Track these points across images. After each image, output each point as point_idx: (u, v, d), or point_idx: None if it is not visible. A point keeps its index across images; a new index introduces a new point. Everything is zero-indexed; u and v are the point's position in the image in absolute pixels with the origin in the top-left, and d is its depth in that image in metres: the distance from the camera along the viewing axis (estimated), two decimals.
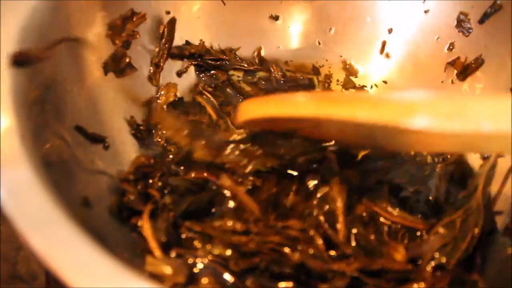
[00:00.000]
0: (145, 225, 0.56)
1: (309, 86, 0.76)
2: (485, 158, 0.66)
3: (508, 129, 0.43)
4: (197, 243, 0.55)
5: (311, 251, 0.54)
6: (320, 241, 0.55)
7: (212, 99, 0.72)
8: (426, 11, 0.74)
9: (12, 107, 0.46)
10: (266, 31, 0.77)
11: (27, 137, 0.46)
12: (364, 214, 0.59)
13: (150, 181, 0.60)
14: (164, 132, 0.65)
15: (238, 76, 0.76)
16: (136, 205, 0.58)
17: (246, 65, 0.76)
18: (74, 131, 0.56)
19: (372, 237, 0.58)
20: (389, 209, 0.60)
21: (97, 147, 0.60)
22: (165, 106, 0.70)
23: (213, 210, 0.59)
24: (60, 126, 0.54)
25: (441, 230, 0.58)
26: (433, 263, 0.56)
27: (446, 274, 0.55)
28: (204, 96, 0.72)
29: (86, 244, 0.40)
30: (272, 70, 0.76)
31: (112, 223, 0.56)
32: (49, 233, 0.40)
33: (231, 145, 0.61)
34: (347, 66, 0.79)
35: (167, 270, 0.51)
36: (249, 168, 0.60)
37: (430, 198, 0.64)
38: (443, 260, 0.56)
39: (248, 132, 0.61)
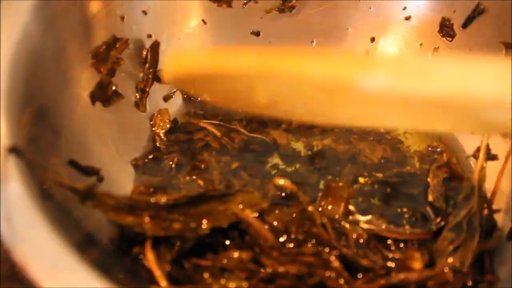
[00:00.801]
0: (148, 254, 0.54)
1: None
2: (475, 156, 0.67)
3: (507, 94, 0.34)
4: (206, 276, 0.54)
5: (328, 273, 0.53)
6: (336, 263, 0.54)
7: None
8: (407, 18, 0.74)
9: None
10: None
11: (27, 176, 0.45)
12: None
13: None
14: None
15: None
16: (137, 235, 0.55)
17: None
18: (67, 166, 0.55)
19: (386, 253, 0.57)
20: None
21: (92, 180, 0.58)
22: (162, 135, 0.68)
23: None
24: (55, 162, 0.53)
25: (449, 234, 0.58)
26: (447, 269, 0.55)
27: (463, 277, 0.55)
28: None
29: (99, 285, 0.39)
30: None
31: (113, 256, 0.54)
32: (64, 279, 0.39)
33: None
34: None
35: None
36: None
37: (430, 199, 0.64)
38: (457, 264, 0.55)
39: None
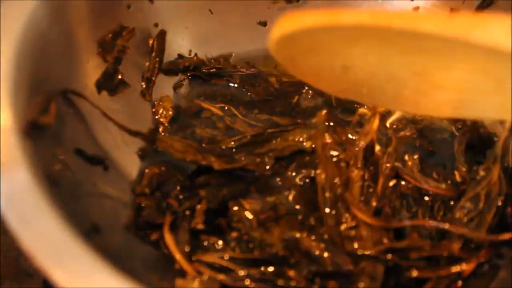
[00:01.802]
0: (167, 238, 0.55)
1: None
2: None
3: None
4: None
5: None
6: None
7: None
8: (415, 9, 0.73)
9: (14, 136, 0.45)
10: (255, 37, 0.75)
11: (33, 166, 0.44)
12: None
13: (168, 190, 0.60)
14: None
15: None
16: (154, 219, 0.57)
17: (243, 70, 0.74)
18: (73, 155, 0.55)
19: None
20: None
21: (98, 169, 0.58)
22: (167, 124, 0.68)
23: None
24: (60, 151, 0.52)
25: (467, 204, 0.58)
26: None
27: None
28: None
29: (108, 273, 0.39)
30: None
31: (129, 246, 0.55)
32: (71, 267, 0.39)
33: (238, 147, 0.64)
34: None
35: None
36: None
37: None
38: (470, 235, 0.55)
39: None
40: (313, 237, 0.56)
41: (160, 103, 0.69)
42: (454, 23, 0.35)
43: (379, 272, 0.53)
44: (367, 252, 0.54)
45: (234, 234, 0.58)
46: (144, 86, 0.68)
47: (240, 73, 0.74)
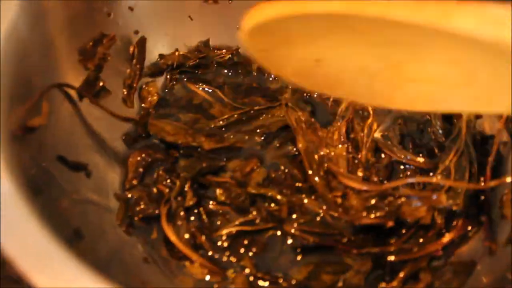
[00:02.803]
0: (167, 230, 0.58)
1: None
2: None
3: None
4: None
5: None
6: None
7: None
8: None
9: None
10: (235, 43, 0.76)
11: (15, 174, 0.45)
12: None
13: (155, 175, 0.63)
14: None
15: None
16: (151, 213, 0.59)
17: (223, 52, 0.75)
18: (56, 162, 0.55)
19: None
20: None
21: (80, 176, 0.58)
22: (152, 109, 0.70)
23: None
24: (42, 158, 0.53)
25: (439, 178, 0.60)
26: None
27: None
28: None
29: (90, 278, 0.40)
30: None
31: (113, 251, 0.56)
32: (53, 272, 0.39)
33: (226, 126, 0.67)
34: None
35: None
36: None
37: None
38: (448, 203, 0.57)
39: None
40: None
41: (146, 88, 0.70)
42: (427, 10, 0.35)
43: (367, 268, 0.56)
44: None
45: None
46: (125, 92, 0.68)
47: (221, 57, 0.75)
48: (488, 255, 0.55)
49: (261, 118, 0.68)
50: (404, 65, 0.41)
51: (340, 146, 0.63)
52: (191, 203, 0.59)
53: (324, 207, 0.59)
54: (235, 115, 0.68)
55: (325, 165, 0.61)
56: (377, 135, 0.64)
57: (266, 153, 0.65)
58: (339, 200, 0.59)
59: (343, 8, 0.38)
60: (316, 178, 0.61)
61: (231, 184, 0.62)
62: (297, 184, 0.62)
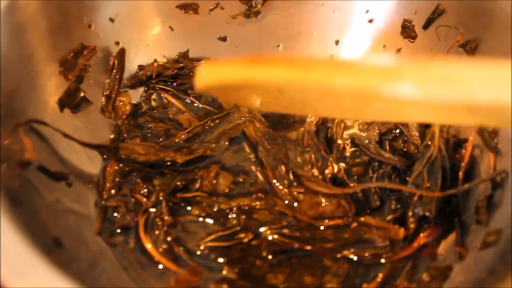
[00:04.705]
0: (144, 241, 0.59)
1: None
2: None
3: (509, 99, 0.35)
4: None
5: None
6: None
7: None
8: (370, 21, 0.75)
9: None
10: (215, 53, 0.77)
11: None
12: None
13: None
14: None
15: None
16: (128, 223, 0.60)
17: (203, 61, 0.76)
18: (37, 172, 0.56)
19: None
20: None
21: (61, 185, 0.59)
22: (124, 118, 0.71)
23: None
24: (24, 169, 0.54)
25: (413, 185, 0.61)
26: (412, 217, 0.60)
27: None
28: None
29: (67, 286, 0.40)
30: None
31: (92, 259, 0.56)
32: (30, 280, 0.40)
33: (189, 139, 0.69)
34: None
35: None
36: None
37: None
38: (421, 212, 0.60)
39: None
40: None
41: (119, 98, 0.71)
42: (365, 78, 0.38)
43: (343, 271, 0.57)
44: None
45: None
46: (104, 102, 0.69)
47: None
48: (459, 260, 0.56)
49: (221, 126, 0.70)
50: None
51: (308, 149, 0.65)
52: (170, 220, 0.60)
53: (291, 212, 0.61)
54: (198, 127, 0.70)
55: (290, 171, 0.64)
56: (354, 131, 0.67)
57: (228, 156, 0.67)
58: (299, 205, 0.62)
59: (287, 75, 0.40)
60: (280, 186, 0.63)
61: (201, 197, 0.63)
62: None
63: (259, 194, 0.63)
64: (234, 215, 0.61)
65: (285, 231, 0.60)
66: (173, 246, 0.59)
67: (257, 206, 0.61)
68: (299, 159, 0.65)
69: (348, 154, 0.67)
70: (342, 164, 0.66)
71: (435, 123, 0.64)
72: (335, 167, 0.64)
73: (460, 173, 0.61)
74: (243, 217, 0.61)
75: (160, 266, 0.57)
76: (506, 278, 0.46)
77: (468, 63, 0.37)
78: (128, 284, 0.55)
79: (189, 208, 0.62)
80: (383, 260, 0.58)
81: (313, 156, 0.65)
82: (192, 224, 0.61)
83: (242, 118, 0.69)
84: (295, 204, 0.62)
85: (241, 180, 0.64)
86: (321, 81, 0.39)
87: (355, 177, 0.65)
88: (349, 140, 0.68)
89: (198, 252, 0.59)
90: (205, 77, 0.45)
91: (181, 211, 0.62)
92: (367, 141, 0.66)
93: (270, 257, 0.58)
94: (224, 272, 0.57)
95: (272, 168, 0.64)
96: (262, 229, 0.60)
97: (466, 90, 0.36)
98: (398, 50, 0.74)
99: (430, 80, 0.37)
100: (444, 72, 0.37)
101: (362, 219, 0.60)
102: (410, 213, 0.60)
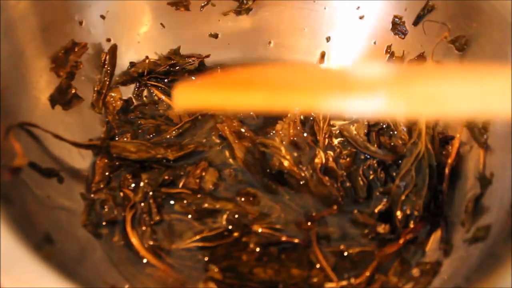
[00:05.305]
0: (131, 236, 0.59)
1: None
2: None
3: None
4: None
5: None
6: None
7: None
8: (361, 17, 0.76)
9: None
10: (207, 50, 0.77)
11: None
12: None
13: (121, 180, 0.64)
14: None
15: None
16: (115, 217, 0.61)
17: (193, 59, 0.76)
18: (28, 169, 0.56)
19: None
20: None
21: (52, 182, 0.59)
22: (115, 113, 0.71)
23: None
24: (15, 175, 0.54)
25: (401, 183, 0.62)
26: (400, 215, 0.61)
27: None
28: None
29: (56, 280, 0.41)
30: None
31: (82, 254, 0.57)
32: (19, 275, 0.40)
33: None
34: None
35: None
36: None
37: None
38: (409, 211, 0.60)
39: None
40: None
41: (110, 93, 0.71)
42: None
43: (331, 264, 0.59)
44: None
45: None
46: (94, 98, 0.69)
47: (191, 64, 0.76)
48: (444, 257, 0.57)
49: (211, 120, 0.71)
50: None
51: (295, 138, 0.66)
52: (157, 218, 0.61)
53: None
54: (188, 123, 0.71)
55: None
56: (343, 122, 0.69)
57: (217, 152, 0.68)
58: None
59: (265, 101, 0.41)
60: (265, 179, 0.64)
61: (186, 194, 0.63)
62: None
63: (243, 199, 0.63)
64: (220, 216, 0.62)
65: (273, 225, 0.60)
66: (159, 242, 0.59)
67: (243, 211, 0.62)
68: (283, 150, 0.66)
69: (336, 143, 0.68)
70: (331, 152, 0.67)
71: (421, 120, 0.65)
72: (323, 157, 0.65)
73: (446, 170, 0.61)
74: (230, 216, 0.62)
75: (145, 260, 0.58)
76: (495, 273, 0.47)
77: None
78: (116, 279, 0.55)
79: (172, 202, 0.63)
80: (370, 256, 0.59)
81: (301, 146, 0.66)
82: (178, 222, 0.61)
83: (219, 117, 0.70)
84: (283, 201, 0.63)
85: (226, 176, 0.65)
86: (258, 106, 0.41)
87: (343, 169, 0.66)
88: (338, 131, 0.69)
89: (183, 252, 0.59)
90: (182, 101, 0.46)
91: (167, 207, 0.62)
92: (355, 133, 0.66)
93: (258, 249, 0.59)
94: (210, 270, 0.58)
95: (252, 172, 0.66)
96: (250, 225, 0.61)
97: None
98: (389, 47, 0.74)
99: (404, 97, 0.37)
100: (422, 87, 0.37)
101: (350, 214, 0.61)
102: (398, 212, 0.61)
